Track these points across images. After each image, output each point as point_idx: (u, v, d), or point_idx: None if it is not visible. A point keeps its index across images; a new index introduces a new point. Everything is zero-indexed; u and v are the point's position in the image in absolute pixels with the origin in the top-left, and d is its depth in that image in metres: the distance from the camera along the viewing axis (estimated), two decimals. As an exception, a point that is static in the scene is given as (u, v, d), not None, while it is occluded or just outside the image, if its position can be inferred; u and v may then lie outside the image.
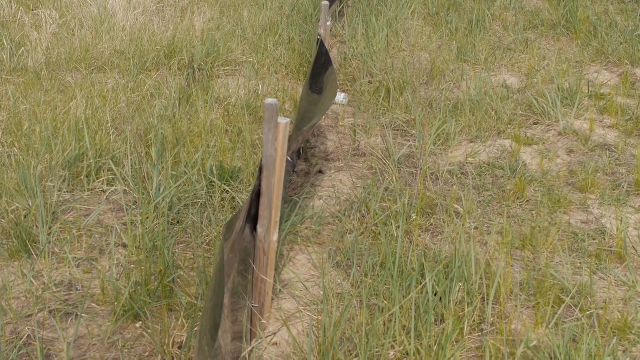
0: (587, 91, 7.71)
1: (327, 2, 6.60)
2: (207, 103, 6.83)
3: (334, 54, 8.57)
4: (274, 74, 7.93)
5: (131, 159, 5.47)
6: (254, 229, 3.73)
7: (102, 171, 5.50)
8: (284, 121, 3.57)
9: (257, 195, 3.65)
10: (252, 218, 3.70)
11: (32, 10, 9.96)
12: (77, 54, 8.25)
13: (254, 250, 3.76)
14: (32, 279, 4.21)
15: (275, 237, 3.77)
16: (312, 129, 5.45)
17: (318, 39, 6.47)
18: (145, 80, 7.46)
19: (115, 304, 3.98)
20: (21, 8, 9.72)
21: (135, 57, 8.11)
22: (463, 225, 4.92)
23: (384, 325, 3.77)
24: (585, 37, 9.57)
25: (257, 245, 3.74)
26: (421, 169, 5.82)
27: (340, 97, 7.27)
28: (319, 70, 6.02)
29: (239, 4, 10.43)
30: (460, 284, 4.06)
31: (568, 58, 8.84)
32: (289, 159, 4.14)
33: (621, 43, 9.25)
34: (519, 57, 8.90)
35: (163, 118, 6.28)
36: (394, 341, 3.68)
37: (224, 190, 5.15)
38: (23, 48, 8.28)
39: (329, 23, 6.61)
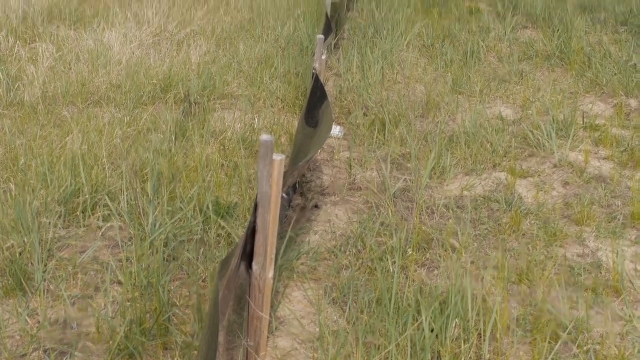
0: (582, 122, 7.73)
1: (322, 36, 6.61)
2: (203, 137, 6.83)
3: (329, 87, 8.60)
4: (270, 107, 7.96)
5: (127, 195, 5.46)
6: (249, 266, 3.72)
7: (98, 207, 5.48)
8: (279, 158, 3.57)
9: (252, 232, 3.64)
10: (248, 255, 3.69)
11: (29, 44, 10.00)
12: (74, 88, 8.26)
13: (250, 288, 3.75)
14: (27, 318, 4.19)
15: (270, 275, 3.76)
16: (308, 163, 5.46)
17: (313, 73, 6.48)
18: (142, 114, 7.47)
19: (111, 342, 3.96)
20: (18, 42, 9.76)
21: (132, 91, 8.13)
22: (459, 260, 4.91)
23: (381, 363, 3.76)
24: (579, 68, 9.62)
25: (252, 282, 3.72)
26: (417, 203, 5.82)
27: (336, 130, 7.28)
28: (315, 104, 6.04)
29: (235, 37, 10.48)
30: (457, 321, 4.04)
31: (563, 89, 8.88)
32: (284, 195, 4.14)
33: (615, 74, 9.29)
34: (514, 89, 8.94)
35: (159, 153, 6.27)
36: (391, 379, 3.66)
37: (220, 226, 5.14)
38: (20, 82, 8.29)
39: (324, 57, 6.63)
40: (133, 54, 9.53)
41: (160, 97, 8.14)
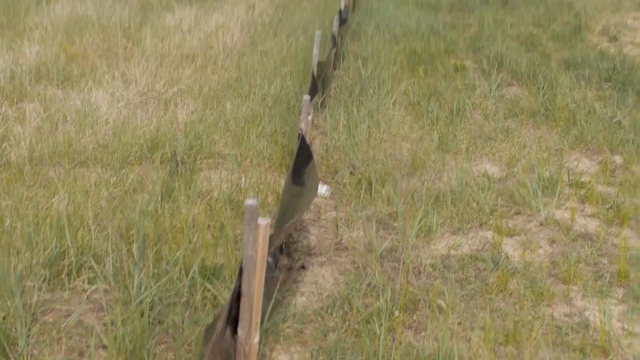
0: (567, 180, 7.77)
1: (308, 97, 6.66)
2: (189, 197, 6.83)
3: (315, 146, 8.63)
4: (257, 166, 7.96)
5: (112, 257, 5.44)
6: (234, 330, 3.70)
7: (83, 269, 5.46)
8: (264, 222, 3.58)
9: (237, 297, 3.63)
10: (233, 319, 3.67)
11: (16, 103, 10.03)
12: (60, 148, 8.26)
13: (235, 353, 3.73)
14: (9, 384, 4.15)
15: (256, 339, 3.74)
16: (294, 224, 5.46)
17: (299, 134, 6.52)
18: (128, 174, 7.48)
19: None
20: (5, 102, 9.79)
21: (118, 151, 8.12)
22: (446, 321, 4.90)
23: None
24: (564, 125, 9.69)
25: (237, 348, 3.70)
26: (404, 262, 5.82)
27: (323, 189, 7.30)
28: (301, 165, 6.06)
29: (221, 96, 10.53)
30: (444, 384, 4.02)
31: (548, 146, 8.95)
32: (269, 259, 4.13)
33: (600, 130, 9.37)
34: (500, 146, 8.99)
35: (145, 214, 6.26)
36: None
37: (206, 288, 5.12)
38: (6, 142, 8.29)
39: (310, 117, 6.67)
40: (120, 113, 9.56)
41: (147, 157, 8.14)
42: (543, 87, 11.28)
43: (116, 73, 11.56)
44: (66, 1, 18.04)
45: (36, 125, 8.98)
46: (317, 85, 9.07)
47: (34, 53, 12.60)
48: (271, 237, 3.78)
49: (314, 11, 18.94)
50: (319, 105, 9.81)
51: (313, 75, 9.06)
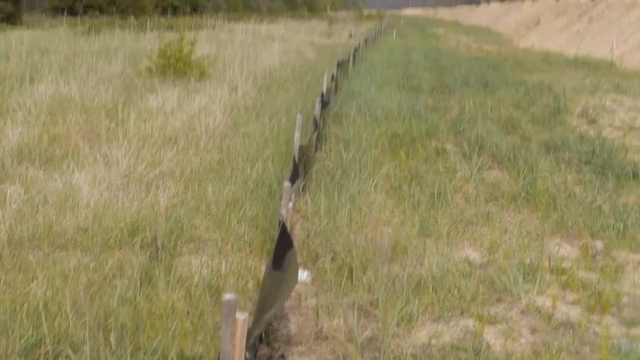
0: (548, 266, 7.78)
1: (289, 184, 6.69)
2: (169, 283, 6.77)
3: (296, 230, 8.62)
4: (238, 251, 7.94)
5: (89, 346, 5.37)
6: None
7: (59, 358, 5.38)
8: (242, 316, 3.55)
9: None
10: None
11: (-3, 185, 10.02)
12: (40, 231, 8.21)
13: None
14: None
15: None
16: (274, 315, 5.41)
17: (280, 220, 6.52)
18: (108, 259, 7.43)
19: None
20: (-16, 184, 9.79)
21: (98, 235, 8.08)
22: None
23: None
24: (545, 209, 9.74)
25: None
26: (384, 352, 5.76)
27: (303, 275, 7.27)
28: (281, 253, 6.04)
29: (203, 179, 10.55)
30: None
31: (529, 231, 8.97)
32: (247, 354, 4.08)
33: (580, 215, 9.42)
34: (481, 231, 9.00)
35: (124, 300, 6.20)
36: None
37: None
38: (-16, 227, 8.24)
39: (290, 204, 6.68)
40: (101, 195, 9.55)
41: (127, 241, 8.10)
42: (523, 171, 11.37)
43: (98, 155, 11.58)
44: (50, 81, 18.21)
45: (17, 207, 8.94)
46: (299, 170, 9.11)
47: (16, 134, 12.63)
48: (250, 330, 3.75)
49: (297, 93, 19.19)
50: (301, 188, 9.83)
51: (294, 160, 9.11)
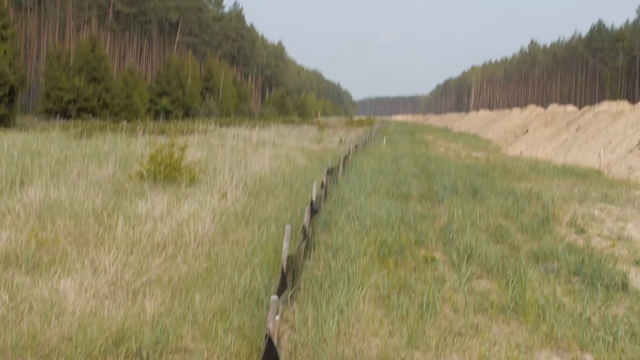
0: (538, 380, 7.69)
1: (276, 297, 6.64)
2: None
3: (284, 342, 8.52)
4: (224, 363, 7.84)
5: None
6: None
7: None
8: None
9: None
10: None
11: (-19, 292, 9.91)
12: (24, 340, 8.10)
13: None
14: None
15: None
16: None
17: (267, 334, 6.45)
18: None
19: None
20: (-31, 292, 9.69)
21: (83, 344, 7.98)
22: None
23: None
24: (534, 321, 9.68)
25: None
26: None
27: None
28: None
29: (190, 287, 10.48)
30: None
31: (518, 343, 8.89)
32: None
33: (570, 327, 9.36)
34: (470, 342, 8.91)
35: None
36: None
37: None
38: (-32, 334, 8.14)
39: (277, 317, 6.62)
40: (87, 303, 9.47)
41: (112, 351, 7.99)
42: (512, 281, 11.33)
43: (86, 261, 11.53)
44: (40, 185, 18.24)
45: (1, 314, 8.85)
46: (287, 280, 9.07)
47: (4, 239, 12.60)
48: None
49: (286, 199, 19.26)
50: (289, 298, 9.76)
51: (282, 271, 9.08)
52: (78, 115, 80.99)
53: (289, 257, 9.72)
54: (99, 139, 40.85)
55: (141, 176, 21.78)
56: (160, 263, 11.79)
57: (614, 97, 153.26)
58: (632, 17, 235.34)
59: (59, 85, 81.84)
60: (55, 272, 10.79)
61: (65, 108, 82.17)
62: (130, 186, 20.23)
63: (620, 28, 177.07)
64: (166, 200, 17.12)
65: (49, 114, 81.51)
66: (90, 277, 10.65)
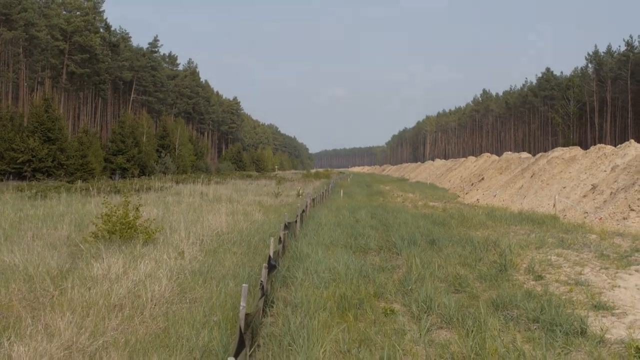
0: None
1: (233, 358, 6.55)
2: None
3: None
4: None
5: None
6: None
7: None
8: None
9: None
10: None
11: None
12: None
13: None
14: None
15: None
16: None
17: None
18: None
19: None
20: None
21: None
22: None
23: None
24: (496, 373, 9.66)
25: None
26: None
27: None
28: None
29: (148, 348, 10.32)
30: None
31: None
32: None
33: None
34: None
35: None
36: None
37: None
38: None
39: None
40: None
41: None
42: (472, 331, 11.31)
43: (40, 326, 11.31)
44: (-8, 250, 17.96)
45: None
46: (245, 339, 8.95)
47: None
48: None
49: (244, 255, 19.16)
50: (247, 357, 9.63)
51: (240, 330, 8.97)
52: (33, 176, 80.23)
53: (247, 315, 9.62)
54: (54, 199, 40.40)
55: (96, 236, 21.53)
56: (117, 325, 11.60)
57: (566, 143, 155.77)
58: (581, 64, 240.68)
59: (12, 146, 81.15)
60: (9, 338, 10.55)
61: (20, 169, 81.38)
62: (86, 247, 19.98)
63: (570, 75, 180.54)
64: (122, 261, 16.91)
65: (3, 175, 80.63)
66: (45, 342, 10.42)
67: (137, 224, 22.17)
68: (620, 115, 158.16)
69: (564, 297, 14.40)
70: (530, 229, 27.99)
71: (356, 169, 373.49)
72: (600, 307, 13.66)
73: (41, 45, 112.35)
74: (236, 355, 7.53)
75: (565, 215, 35.49)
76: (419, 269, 17.10)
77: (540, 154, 58.87)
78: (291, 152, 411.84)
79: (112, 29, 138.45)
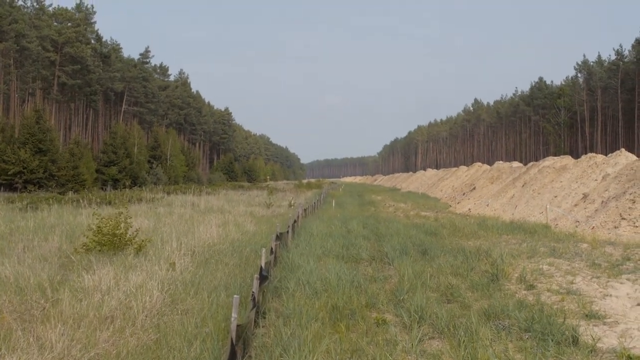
0: None
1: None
2: None
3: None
4: None
5: None
6: None
7: None
8: None
9: None
10: None
11: None
12: None
13: None
14: None
15: None
16: None
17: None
18: None
19: None
20: None
21: None
22: None
23: None
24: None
25: None
26: None
27: None
28: None
29: (139, 361, 10.31)
30: None
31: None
32: None
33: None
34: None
35: None
36: None
37: None
38: None
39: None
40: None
41: None
42: (464, 341, 11.31)
43: (31, 338, 11.27)
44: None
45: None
46: (236, 351, 8.94)
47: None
48: None
49: (236, 266, 19.13)
50: (239, 369, 9.62)
51: (232, 341, 8.95)
52: (24, 188, 79.98)
53: (239, 326, 9.60)
54: (45, 211, 40.30)
55: (87, 248, 21.48)
56: (108, 337, 11.56)
57: (557, 152, 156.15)
58: (571, 73, 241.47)
59: (3, 158, 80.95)
60: (0, 351, 10.50)
61: (11, 180, 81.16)
62: (76, 259, 19.93)
63: (561, 84, 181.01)
64: (113, 272, 16.87)
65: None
66: (36, 354, 10.39)
67: (128, 235, 22.13)
68: (610, 124, 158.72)
69: (555, 306, 14.40)
70: (521, 238, 28.02)
71: (348, 179, 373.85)
72: (592, 316, 13.68)
73: (32, 56, 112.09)
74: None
75: (556, 224, 35.55)
76: (410, 279, 17.08)
77: (531, 163, 58.98)
78: (283, 163, 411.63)
79: (104, 39, 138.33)
